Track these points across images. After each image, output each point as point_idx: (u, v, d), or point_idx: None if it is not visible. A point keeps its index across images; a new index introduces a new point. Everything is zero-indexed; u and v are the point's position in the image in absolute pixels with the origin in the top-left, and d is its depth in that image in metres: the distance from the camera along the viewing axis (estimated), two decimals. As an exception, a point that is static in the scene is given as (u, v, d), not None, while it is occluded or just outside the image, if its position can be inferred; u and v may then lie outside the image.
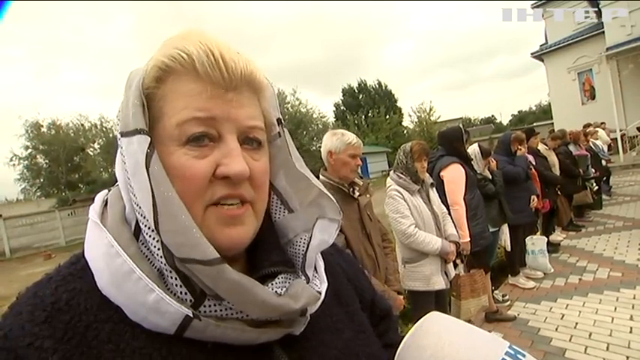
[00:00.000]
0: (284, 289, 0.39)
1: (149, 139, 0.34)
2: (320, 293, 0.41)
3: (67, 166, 18.86)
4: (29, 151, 18.56)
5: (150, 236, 0.34)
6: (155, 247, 0.34)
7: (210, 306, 0.34)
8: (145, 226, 0.34)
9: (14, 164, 18.33)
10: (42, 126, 18.72)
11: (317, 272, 0.45)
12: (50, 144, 18.22)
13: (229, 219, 0.36)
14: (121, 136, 0.36)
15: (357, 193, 1.64)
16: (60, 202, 17.59)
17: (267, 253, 0.42)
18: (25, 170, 18.70)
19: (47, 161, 18.91)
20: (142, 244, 0.35)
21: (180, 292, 0.33)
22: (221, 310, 0.34)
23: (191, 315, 0.32)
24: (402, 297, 1.73)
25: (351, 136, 1.63)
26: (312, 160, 20.19)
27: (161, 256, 0.33)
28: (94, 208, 0.37)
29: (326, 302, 0.43)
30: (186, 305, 0.33)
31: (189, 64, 0.35)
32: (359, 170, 1.70)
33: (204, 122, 0.35)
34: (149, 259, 0.34)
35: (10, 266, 10.41)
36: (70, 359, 0.30)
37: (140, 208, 0.34)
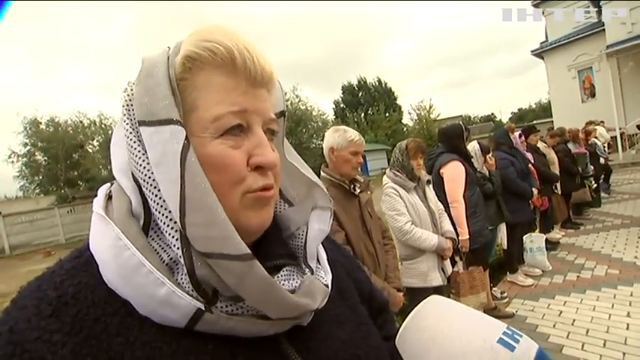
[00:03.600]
0: (292, 283, 0.39)
1: (185, 130, 0.33)
2: (327, 286, 0.42)
3: (66, 163, 18.80)
4: (28, 148, 18.49)
5: (168, 232, 0.33)
6: (174, 245, 0.33)
7: (222, 307, 0.34)
8: (167, 217, 0.33)
9: (13, 161, 18.27)
10: (40, 123, 18.63)
11: (320, 264, 0.46)
12: (49, 141, 18.15)
13: (265, 200, 0.38)
14: (140, 124, 0.35)
15: (358, 190, 1.65)
16: (59, 199, 17.56)
17: (270, 247, 0.42)
18: (23, 167, 18.62)
19: (46, 158, 18.85)
20: (152, 238, 0.34)
21: (191, 290, 0.33)
22: (233, 311, 0.34)
23: (203, 308, 0.32)
24: (401, 294, 1.73)
25: (353, 134, 1.64)
26: (312, 158, 20.16)
27: (180, 256, 0.33)
28: (98, 202, 0.37)
29: (330, 295, 0.43)
30: (199, 300, 0.33)
31: (228, 57, 0.35)
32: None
33: (238, 115, 0.36)
34: (158, 254, 0.34)
35: (9, 263, 10.41)
36: (80, 352, 0.30)
37: (160, 199, 0.33)
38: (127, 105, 0.37)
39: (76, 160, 19.16)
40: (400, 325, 0.48)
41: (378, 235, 1.76)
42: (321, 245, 0.47)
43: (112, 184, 0.39)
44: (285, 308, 0.35)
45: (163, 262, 0.33)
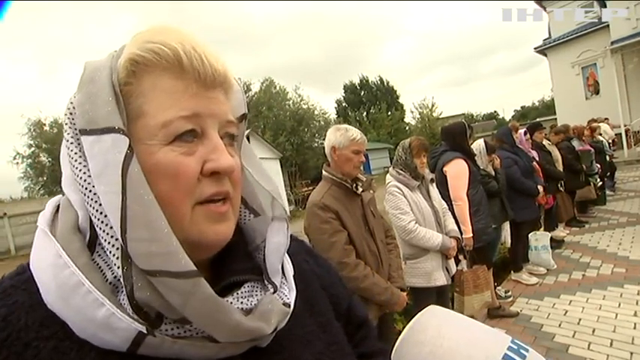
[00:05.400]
0: (252, 302, 0.37)
1: (128, 139, 0.31)
2: (289, 306, 0.40)
3: (70, 164, 18.91)
4: (32, 149, 18.64)
5: (108, 250, 0.31)
6: (114, 264, 0.31)
7: (167, 330, 0.32)
8: (107, 234, 0.31)
9: (17, 163, 18.43)
10: (44, 124, 18.77)
11: (285, 279, 0.43)
12: (53, 142, 18.24)
13: (218, 216, 0.35)
14: (81, 133, 0.32)
15: (361, 189, 1.64)
16: (63, 200, 17.67)
17: (233, 261, 0.40)
18: (28, 169, 18.77)
19: (50, 159, 18.95)
20: (98, 254, 0.32)
21: (132, 312, 0.31)
22: (179, 333, 0.32)
23: (145, 331, 0.30)
24: (405, 294, 1.72)
25: (355, 132, 1.62)
26: (314, 157, 20.13)
27: (120, 276, 0.30)
28: (44, 216, 0.34)
29: (297, 312, 0.41)
30: (141, 322, 0.30)
31: (173, 59, 0.33)
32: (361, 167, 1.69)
33: (190, 120, 0.34)
34: (102, 271, 0.31)
35: (15, 264, 10.27)
36: None
37: (102, 214, 0.31)
38: (70, 113, 0.35)
39: (79, 161, 19.24)
40: (400, 328, 0.46)
41: (381, 234, 1.74)
42: (287, 258, 0.45)
43: (63, 196, 0.36)
44: (234, 332, 0.33)
45: (107, 280, 0.31)
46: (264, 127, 18.98)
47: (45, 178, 19.49)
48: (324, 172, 1.66)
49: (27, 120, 18.18)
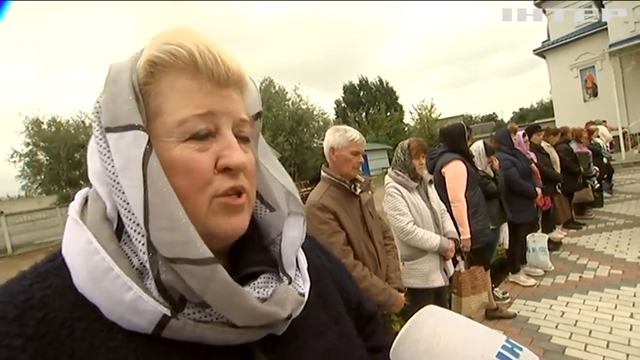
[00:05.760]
0: (268, 292, 0.38)
1: (147, 135, 0.33)
2: (303, 295, 0.42)
3: (68, 162, 18.80)
4: (30, 147, 18.55)
5: (135, 238, 0.33)
6: (140, 250, 0.33)
7: (189, 314, 0.34)
8: (134, 222, 0.33)
9: (15, 161, 18.34)
10: (42, 123, 18.67)
11: (300, 271, 0.45)
12: (51, 141, 18.20)
13: (234, 208, 0.37)
14: (107, 131, 0.35)
15: (359, 190, 1.64)
16: (61, 198, 17.59)
17: (249, 253, 0.42)
18: (25, 167, 18.66)
19: (48, 158, 18.88)
20: (125, 242, 0.34)
21: (157, 296, 0.33)
22: (201, 318, 0.34)
23: (169, 314, 0.32)
24: (402, 295, 1.73)
25: (353, 133, 1.63)
26: (313, 157, 20.14)
27: (145, 261, 0.33)
28: (74, 206, 0.37)
29: (310, 304, 0.43)
30: (166, 305, 0.32)
31: (189, 60, 0.35)
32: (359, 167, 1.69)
33: (205, 118, 0.35)
34: (129, 258, 0.34)
35: (11, 263, 10.44)
36: (43, 356, 0.29)
37: (128, 205, 0.33)
38: (97, 112, 0.37)
39: (77, 159, 19.17)
40: (398, 329, 0.47)
41: (379, 235, 1.75)
42: (301, 252, 0.46)
43: (90, 188, 0.39)
44: (251, 316, 0.34)
45: (133, 266, 0.33)
46: (263, 127, 18.92)
47: (42, 177, 19.40)
48: (322, 173, 1.66)
49: (25, 118, 18.08)
